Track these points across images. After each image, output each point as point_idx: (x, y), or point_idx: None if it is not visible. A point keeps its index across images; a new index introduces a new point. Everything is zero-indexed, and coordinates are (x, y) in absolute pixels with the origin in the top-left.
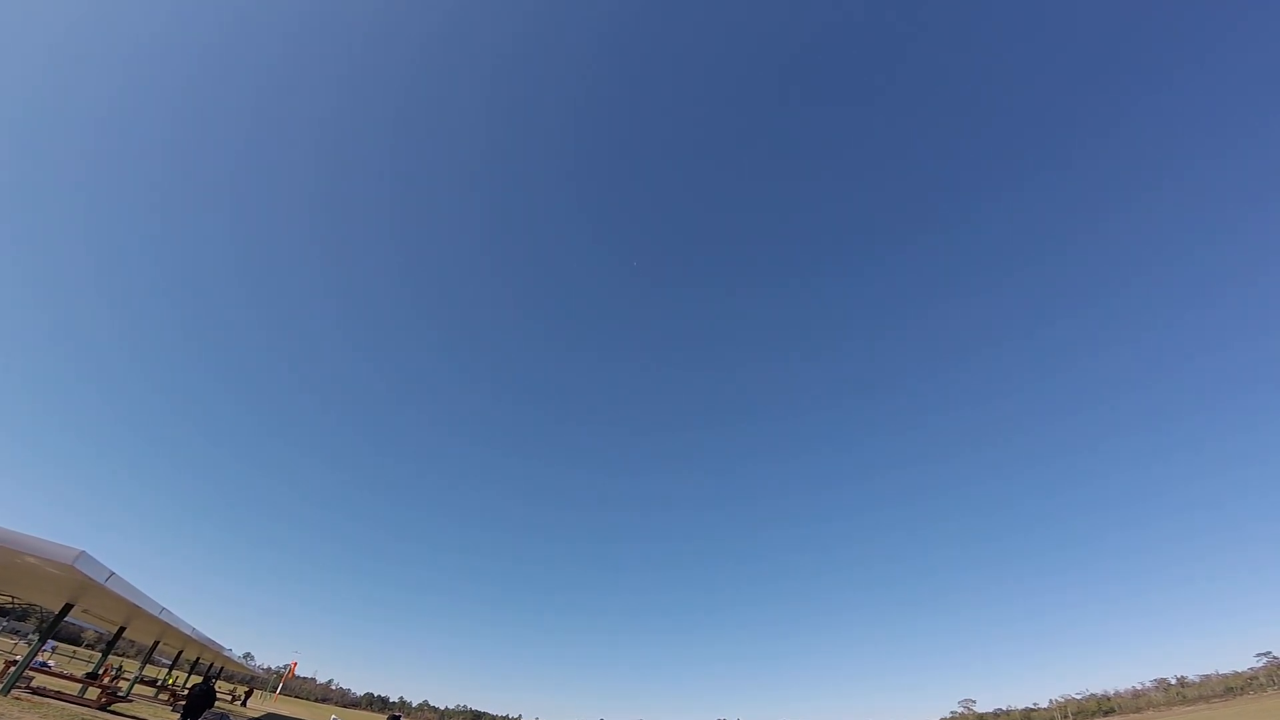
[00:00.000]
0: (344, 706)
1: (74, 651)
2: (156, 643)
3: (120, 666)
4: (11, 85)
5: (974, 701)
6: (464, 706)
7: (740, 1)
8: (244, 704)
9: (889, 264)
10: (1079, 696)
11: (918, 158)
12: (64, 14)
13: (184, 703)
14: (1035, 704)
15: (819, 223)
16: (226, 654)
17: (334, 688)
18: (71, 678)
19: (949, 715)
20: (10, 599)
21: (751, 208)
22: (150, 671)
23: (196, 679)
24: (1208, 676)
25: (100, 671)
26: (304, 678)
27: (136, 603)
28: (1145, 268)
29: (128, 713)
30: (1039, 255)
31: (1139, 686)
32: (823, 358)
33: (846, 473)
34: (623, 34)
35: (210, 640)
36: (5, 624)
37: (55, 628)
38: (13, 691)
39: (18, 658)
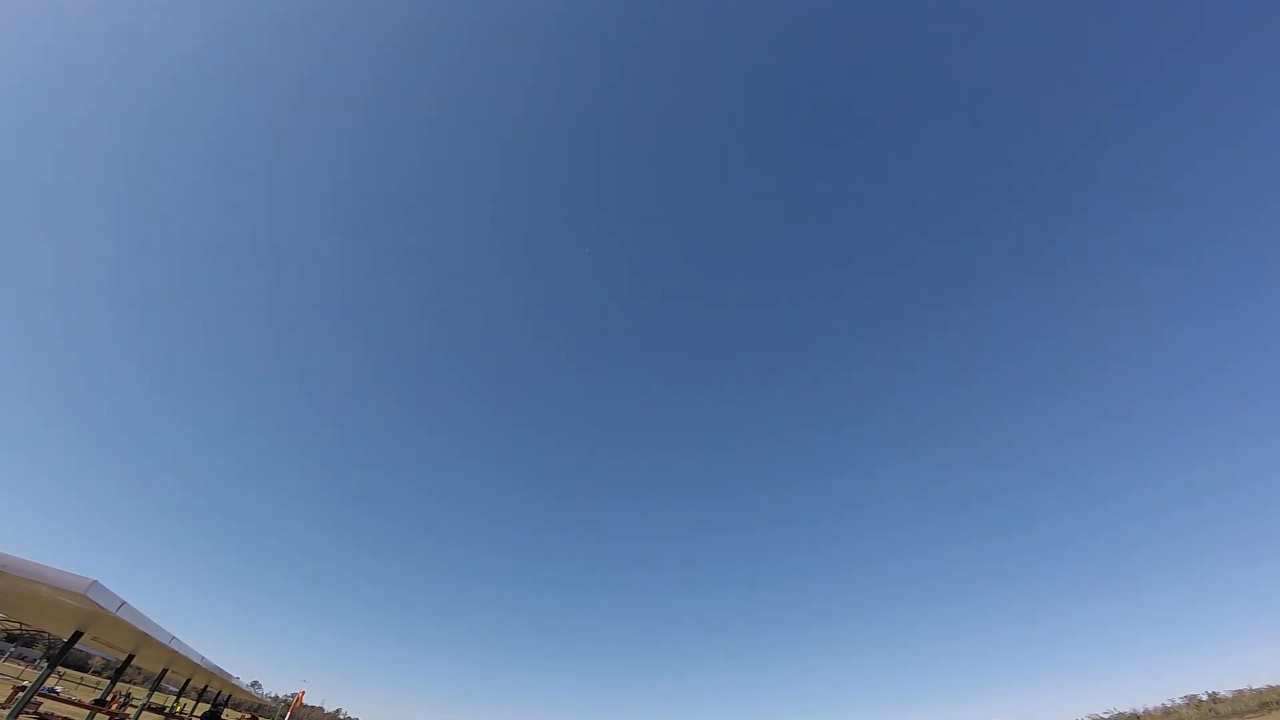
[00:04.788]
0: None
1: (81, 678)
2: (165, 670)
3: (128, 693)
4: (18, 81)
5: None
6: None
7: (746, 7)
8: None
9: (895, 275)
10: (1106, 715)
11: (921, 165)
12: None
13: None
14: None
15: (829, 232)
16: (235, 682)
17: (342, 716)
18: (79, 704)
19: None
20: (19, 625)
21: (756, 219)
22: (158, 698)
23: (204, 707)
24: (1241, 692)
25: (108, 698)
26: (312, 706)
27: (146, 631)
28: (1163, 268)
29: None
30: (1050, 260)
31: (1169, 703)
32: (837, 367)
33: (860, 490)
34: (630, 39)
35: (218, 668)
36: (13, 650)
37: (64, 655)
38: (20, 717)
39: (26, 684)
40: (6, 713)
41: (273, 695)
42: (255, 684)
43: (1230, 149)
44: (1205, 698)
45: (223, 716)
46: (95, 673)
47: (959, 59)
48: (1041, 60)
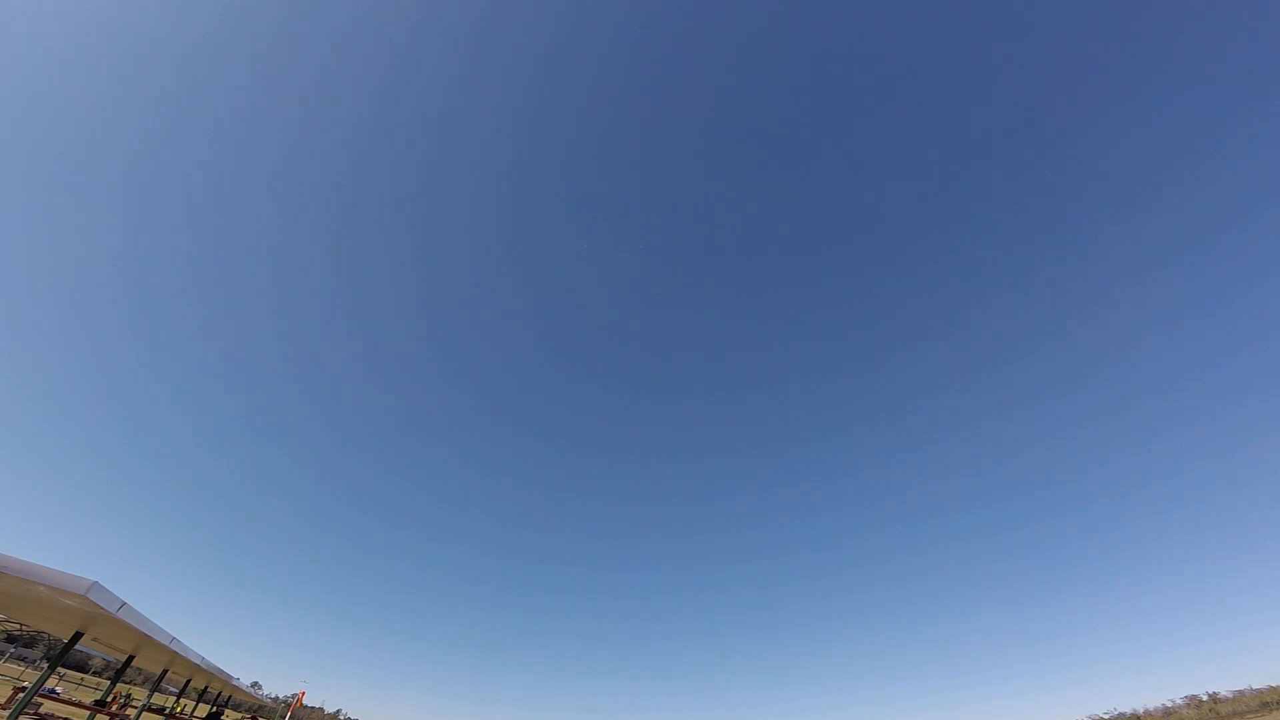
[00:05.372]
0: None
1: (81, 679)
2: (165, 671)
3: (128, 694)
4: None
5: None
6: None
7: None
8: None
9: (897, 275)
10: (1107, 715)
11: (921, 165)
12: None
13: None
14: None
15: (830, 232)
16: (235, 683)
17: (342, 717)
18: (80, 705)
19: None
20: (19, 626)
21: (758, 219)
22: (158, 699)
23: (205, 708)
24: (1241, 692)
25: (108, 699)
26: (312, 707)
27: (147, 632)
28: (1164, 268)
29: None
30: (1051, 260)
31: (1169, 703)
32: (839, 367)
33: (862, 489)
34: (632, 39)
35: (219, 669)
36: (13, 650)
37: (64, 656)
38: (20, 718)
39: (26, 684)
40: (7, 714)
41: (273, 696)
42: (255, 685)
43: (1231, 148)
44: (1205, 698)
45: (223, 717)
46: (95, 674)
47: (959, 59)
48: (1042, 60)
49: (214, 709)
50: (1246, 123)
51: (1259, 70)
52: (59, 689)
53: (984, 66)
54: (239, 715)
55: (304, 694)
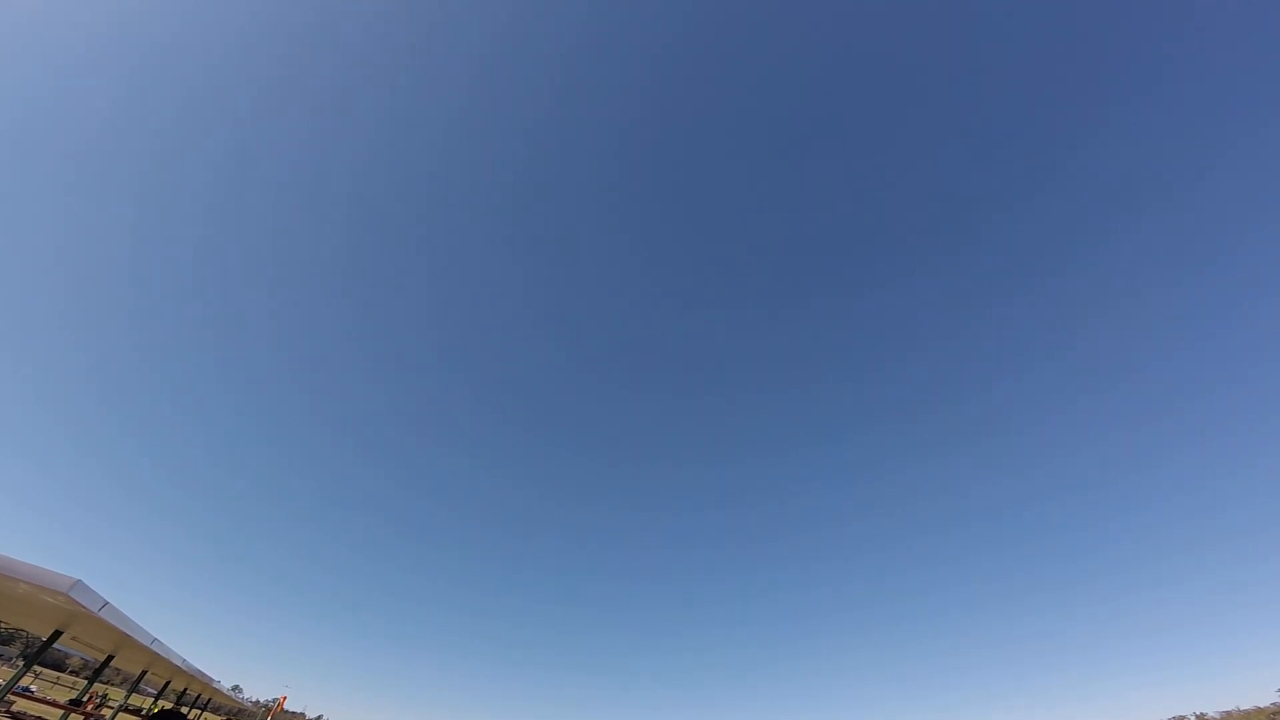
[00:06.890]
0: None
1: (57, 677)
2: (144, 672)
3: (105, 695)
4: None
5: None
6: None
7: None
8: None
9: (903, 282)
10: None
11: (928, 170)
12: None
13: None
14: None
15: (837, 238)
16: (215, 686)
17: None
18: (54, 704)
19: None
20: None
21: (764, 226)
22: (135, 700)
23: (164, 704)
24: (1228, 713)
25: (84, 698)
26: (293, 712)
27: (128, 632)
28: (1173, 273)
29: None
30: (1057, 266)
31: None
32: (846, 376)
33: (865, 500)
34: (639, 45)
35: (200, 672)
36: None
37: (42, 654)
38: None
39: (0, 682)
40: None
41: (254, 700)
42: (236, 688)
43: (1239, 150)
44: (1193, 718)
45: (184, 714)
46: (73, 672)
47: (966, 60)
48: (1047, 62)
49: (166, 706)
50: (1263, 123)
51: (1271, 70)
52: (33, 687)
53: (992, 67)
54: (217, 719)
55: (285, 698)
